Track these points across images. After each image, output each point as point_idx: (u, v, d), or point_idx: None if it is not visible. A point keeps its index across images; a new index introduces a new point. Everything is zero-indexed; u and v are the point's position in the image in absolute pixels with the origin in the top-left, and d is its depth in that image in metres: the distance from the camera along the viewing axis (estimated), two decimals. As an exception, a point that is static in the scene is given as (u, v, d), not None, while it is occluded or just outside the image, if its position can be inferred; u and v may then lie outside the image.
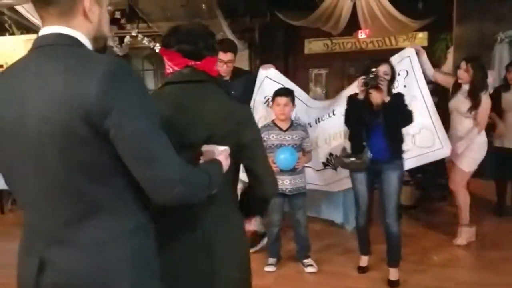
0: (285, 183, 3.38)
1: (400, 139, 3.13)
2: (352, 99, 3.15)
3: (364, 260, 3.47)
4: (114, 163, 1.09)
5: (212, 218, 1.50)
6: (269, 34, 10.16)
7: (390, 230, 3.15)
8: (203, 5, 8.48)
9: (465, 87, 3.84)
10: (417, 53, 3.93)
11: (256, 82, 4.02)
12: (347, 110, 3.20)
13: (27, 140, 1.07)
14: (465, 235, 4.01)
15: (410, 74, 3.91)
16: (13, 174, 1.15)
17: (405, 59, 3.93)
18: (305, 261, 3.59)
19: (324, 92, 10.78)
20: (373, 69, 2.94)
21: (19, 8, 7.18)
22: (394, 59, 4.05)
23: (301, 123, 3.78)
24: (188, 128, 1.45)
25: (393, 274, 3.22)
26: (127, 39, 8.94)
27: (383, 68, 3.06)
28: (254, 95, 4.01)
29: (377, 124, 3.02)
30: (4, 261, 3.78)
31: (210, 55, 1.56)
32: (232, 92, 3.71)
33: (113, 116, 1.03)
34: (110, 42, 8.59)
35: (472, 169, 3.91)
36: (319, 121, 4.15)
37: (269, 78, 4.02)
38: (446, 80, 4.14)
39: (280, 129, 3.47)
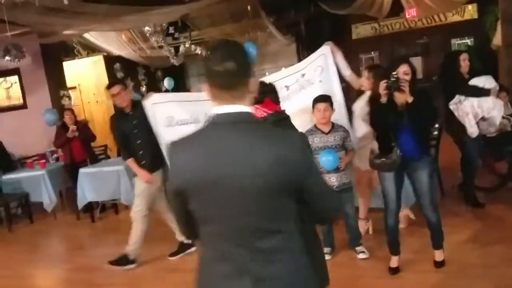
0: (332, 180, 3.70)
1: (427, 137, 3.21)
2: (375, 102, 3.20)
3: (394, 261, 3.44)
4: (294, 207, 1.40)
5: None
6: (315, 25, 10.31)
7: (430, 221, 3.31)
8: (248, 6, 8.75)
9: (368, 93, 3.86)
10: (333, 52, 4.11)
11: (147, 115, 4.02)
12: (371, 114, 3.30)
13: (227, 192, 1.32)
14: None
15: (325, 70, 4.15)
16: (209, 216, 1.40)
17: (321, 56, 4.16)
18: (357, 248, 3.91)
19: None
20: (394, 72, 2.98)
21: (85, 35, 7.97)
22: (309, 59, 4.33)
23: (341, 124, 3.87)
24: None
25: (438, 255, 3.41)
26: (181, 48, 9.56)
27: (402, 69, 3.06)
28: (154, 127, 4.04)
29: (403, 124, 3.05)
30: (96, 263, 4.51)
31: None
32: (134, 122, 4.03)
33: (312, 172, 1.40)
34: (167, 53, 9.24)
35: (366, 168, 3.75)
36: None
37: (158, 103, 4.10)
38: (358, 83, 4.15)
39: (323, 132, 3.76)
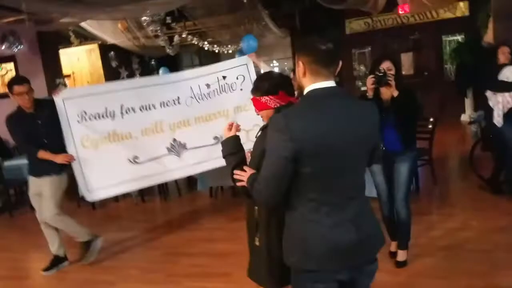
0: None
1: (411, 132, 3.32)
2: (363, 97, 3.27)
3: (393, 245, 3.56)
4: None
5: None
6: (309, 19, 10.41)
7: (399, 217, 3.37)
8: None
9: None
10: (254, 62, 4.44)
11: (59, 112, 3.94)
12: None
13: (340, 153, 1.61)
14: None
15: (247, 79, 4.43)
16: (326, 174, 1.62)
17: (243, 66, 4.46)
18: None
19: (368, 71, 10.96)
20: (380, 68, 3.11)
21: (83, 24, 7.96)
22: (230, 63, 4.57)
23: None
24: None
25: (401, 255, 3.42)
26: (176, 38, 9.57)
27: (385, 65, 3.18)
28: (65, 123, 3.96)
29: (388, 119, 3.14)
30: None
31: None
32: (39, 122, 3.87)
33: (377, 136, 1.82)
34: (163, 43, 9.26)
35: None
36: (164, 106, 4.26)
37: (69, 98, 4.01)
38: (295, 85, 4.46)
39: None
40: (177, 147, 4.29)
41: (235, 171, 1.88)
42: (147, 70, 11.43)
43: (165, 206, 6.09)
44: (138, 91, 4.25)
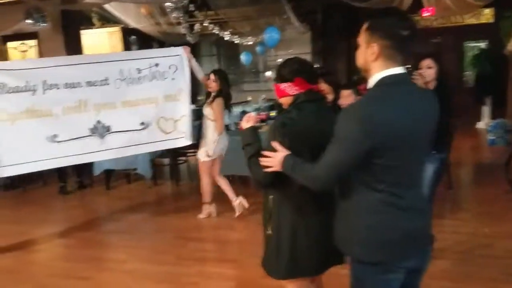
0: None
1: (443, 132, 3.29)
2: None
3: None
4: None
5: None
6: (331, 15, 10.36)
7: None
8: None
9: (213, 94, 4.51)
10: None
11: None
12: None
13: (415, 143, 1.59)
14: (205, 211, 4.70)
15: (179, 70, 4.48)
16: (398, 164, 1.57)
17: (177, 56, 4.50)
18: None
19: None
20: (408, 66, 3.26)
21: (107, 6, 8.01)
22: (164, 51, 4.71)
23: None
24: None
25: None
26: (197, 26, 9.60)
27: (426, 63, 3.43)
28: None
29: None
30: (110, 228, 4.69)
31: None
32: None
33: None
34: (184, 31, 9.28)
35: (205, 159, 4.52)
36: (91, 85, 4.16)
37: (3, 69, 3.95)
38: (209, 85, 4.57)
39: None
40: (100, 129, 4.20)
41: (263, 157, 1.85)
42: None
43: (176, 191, 6.15)
44: (65, 68, 4.12)
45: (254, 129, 2.06)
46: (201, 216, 4.71)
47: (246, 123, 2.08)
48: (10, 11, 7.23)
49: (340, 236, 1.71)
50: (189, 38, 9.37)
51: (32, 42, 8.22)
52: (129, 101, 4.31)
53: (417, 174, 1.70)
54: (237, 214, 4.56)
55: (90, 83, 4.16)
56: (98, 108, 4.20)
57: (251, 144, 2.00)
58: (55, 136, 4.03)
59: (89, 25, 9.51)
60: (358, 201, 1.62)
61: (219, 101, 4.42)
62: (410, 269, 1.65)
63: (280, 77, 2.00)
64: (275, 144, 1.82)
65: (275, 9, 9.18)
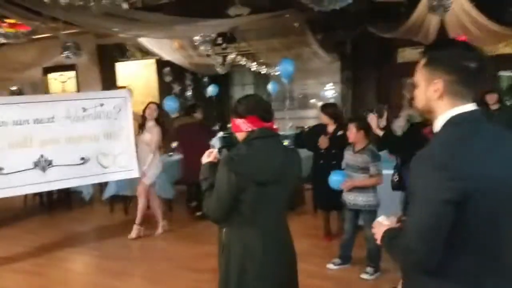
0: (358, 199, 3.85)
1: None
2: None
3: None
4: None
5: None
6: (360, 45, 10.36)
7: None
8: (295, 24, 8.96)
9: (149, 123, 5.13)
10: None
11: None
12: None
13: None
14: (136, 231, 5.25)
15: (123, 111, 4.97)
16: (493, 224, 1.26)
17: (121, 98, 5.01)
18: (367, 268, 3.97)
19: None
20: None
21: (141, 39, 8.48)
22: (110, 93, 5.31)
23: (373, 148, 3.93)
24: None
25: None
26: (228, 58, 9.90)
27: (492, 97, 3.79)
28: None
29: None
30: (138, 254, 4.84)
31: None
32: None
33: None
34: (213, 62, 9.62)
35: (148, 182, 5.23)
36: (38, 123, 4.55)
37: None
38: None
39: (353, 150, 3.96)
40: (42, 162, 4.55)
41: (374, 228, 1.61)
42: (199, 87, 11.84)
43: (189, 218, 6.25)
44: (17, 106, 4.55)
45: (212, 165, 2.14)
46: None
47: (206, 158, 2.18)
48: (50, 45, 7.83)
49: None
50: (219, 69, 9.68)
51: (71, 73, 8.82)
52: (72, 137, 4.73)
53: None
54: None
55: (37, 121, 4.59)
56: (43, 144, 4.61)
57: (207, 179, 2.09)
58: (1, 169, 4.41)
59: (125, 57, 10.03)
60: (433, 279, 1.32)
61: None
62: None
63: (235, 113, 2.08)
64: (382, 219, 1.59)
65: (302, 41, 9.33)
